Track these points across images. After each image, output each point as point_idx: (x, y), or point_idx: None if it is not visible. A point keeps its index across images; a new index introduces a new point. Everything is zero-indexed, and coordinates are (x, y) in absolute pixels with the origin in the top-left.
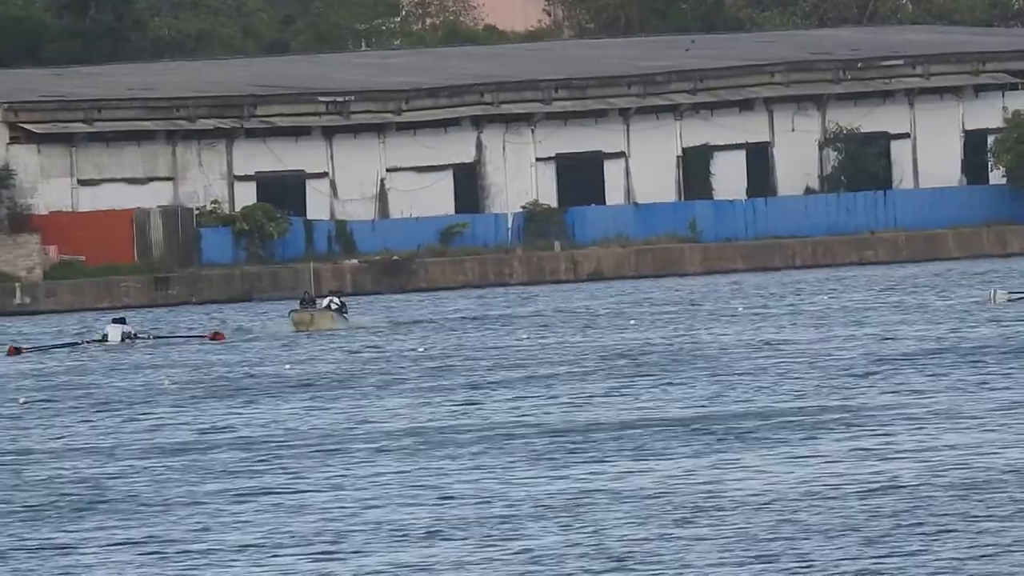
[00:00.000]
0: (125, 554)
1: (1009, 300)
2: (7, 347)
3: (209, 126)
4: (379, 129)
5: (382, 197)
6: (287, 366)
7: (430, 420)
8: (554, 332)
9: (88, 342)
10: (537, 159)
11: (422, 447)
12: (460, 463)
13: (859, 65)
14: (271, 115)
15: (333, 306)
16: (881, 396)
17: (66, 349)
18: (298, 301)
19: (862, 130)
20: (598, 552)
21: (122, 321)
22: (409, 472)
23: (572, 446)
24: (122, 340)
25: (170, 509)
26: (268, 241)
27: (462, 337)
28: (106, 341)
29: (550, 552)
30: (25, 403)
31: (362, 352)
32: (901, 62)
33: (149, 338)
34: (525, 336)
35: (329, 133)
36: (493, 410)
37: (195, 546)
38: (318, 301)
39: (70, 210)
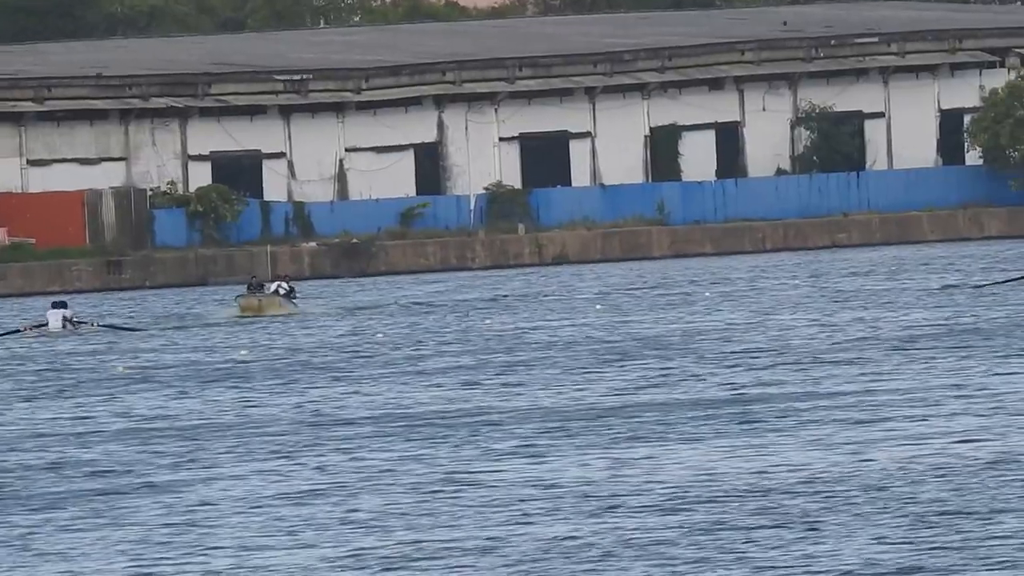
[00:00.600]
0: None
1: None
2: None
3: (163, 105)
4: (338, 108)
5: (341, 178)
6: (243, 352)
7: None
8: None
9: (28, 329)
10: (500, 139)
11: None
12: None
13: (832, 42)
14: (226, 93)
15: (282, 291)
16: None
17: (5, 337)
18: (247, 285)
19: (835, 109)
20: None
21: (63, 305)
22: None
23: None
24: (63, 326)
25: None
26: (223, 223)
27: (406, 323)
28: (46, 327)
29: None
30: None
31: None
32: (875, 39)
33: (93, 324)
34: (489, 321)
35: (286, 112)
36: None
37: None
38: (266, 286)
39: (19, 191)
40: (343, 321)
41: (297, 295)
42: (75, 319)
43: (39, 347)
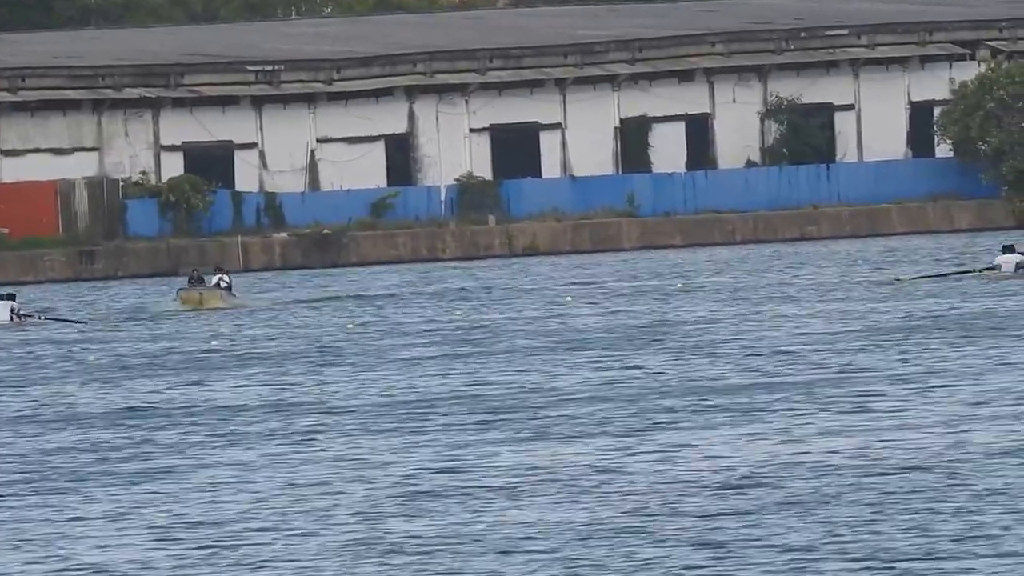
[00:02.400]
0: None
1: (914, 280)
2: None
3: (135, 95)
4: (309, 99)
5: (312, 168)
6: (213, 342)
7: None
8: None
9: None
10: (471, 130)
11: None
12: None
13: (802, 35)
14: (199, 84)
15: (223, 284)
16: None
17: None
18: (188, 278)
19: (804, 101)
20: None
21: (10, 297)
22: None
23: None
24: (10, 319)
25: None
26: (195, 213)
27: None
28: None
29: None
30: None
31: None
32: (845, 32)
33: (40, 317)
34: (459, 312)
35: (258, 103)
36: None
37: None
38: (207, 279)
39: None
40: (282, 313)
41: (233, 289)
42: (21, 312)
43: None
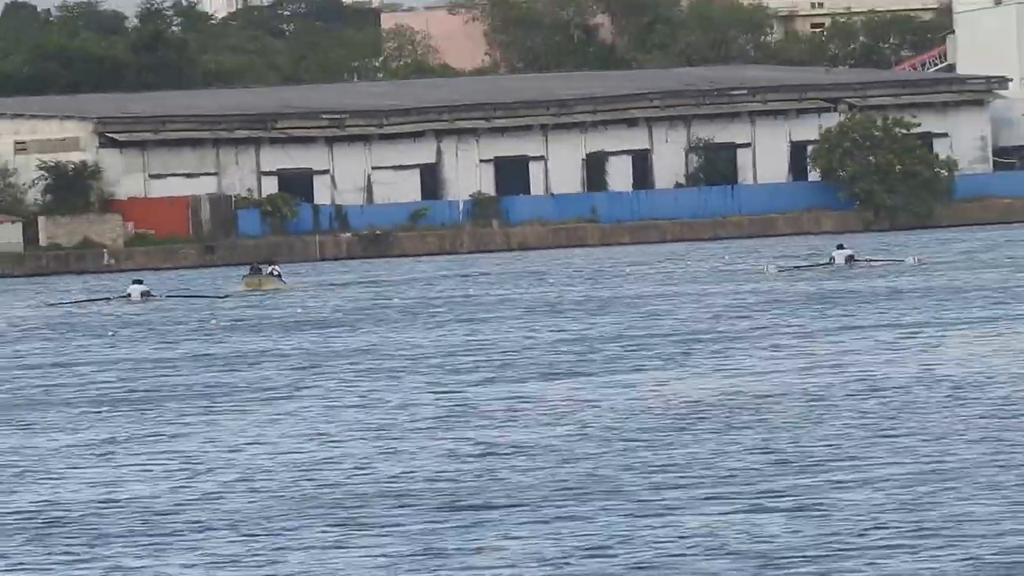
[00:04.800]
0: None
1: (779, 271)
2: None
3: (243, 135)
4: (366, 139)
5: (368, 188)
6: (212, 321)
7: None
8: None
9: (114, 298)
10: (480, 161)
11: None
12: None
13: (714, 94)
14: (287, 127)
15: (275, 273)
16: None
17: (99, 303)
18: (248, 268)
19: (716, 141)
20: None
21: (140, 282)
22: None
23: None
24: (141, 297)
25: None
26: (285, 220)
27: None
28: (129, 298)
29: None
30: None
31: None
32: (744, 92)
33: (161, 297)
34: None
35: (330, 141)
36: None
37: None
38: (263, 268)
39: (143, 196)
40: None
41: (283, 276)
42: (150, 292)
43: (137, 312)
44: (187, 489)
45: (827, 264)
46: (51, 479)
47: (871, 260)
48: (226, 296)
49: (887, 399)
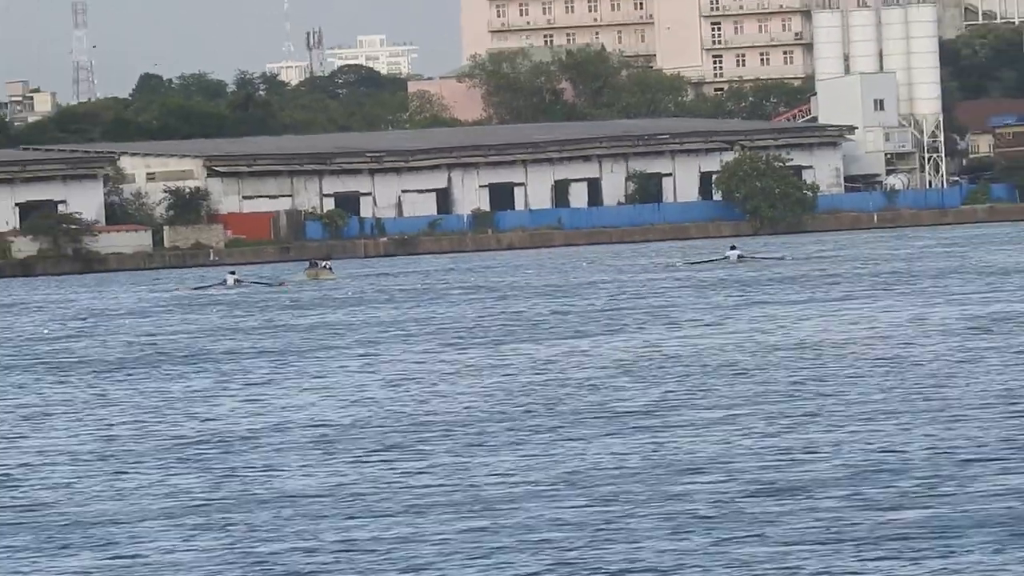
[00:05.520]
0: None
1: (740, 258)
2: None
3: (310, 168)
4: (397, 170)
5: (399, 205)
6: (348, 292)
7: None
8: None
9: (215, 285)
10: (480, 186)
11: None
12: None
13: (646, 137)
14: (342, 163)
15: (328, 266)
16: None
17: (210, 288)
18: (307, 263)
19: (647, 171)
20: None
21: (233, 272)
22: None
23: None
24: (234, 284)
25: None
26: (339, 228)
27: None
28: (225, 284)
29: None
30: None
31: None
32: (667, 136)
33: (247, 283)
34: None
35: (372, 172)
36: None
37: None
38: (319, 263)
39: (238, 212)
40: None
41: (333, 270)
42: (238, 279)
43: (223, 295)
44: (338, 410)
45: (722, 259)
46: (231, 406)
47: (754, 256)
48: (281, 283)
49: (755, 354)
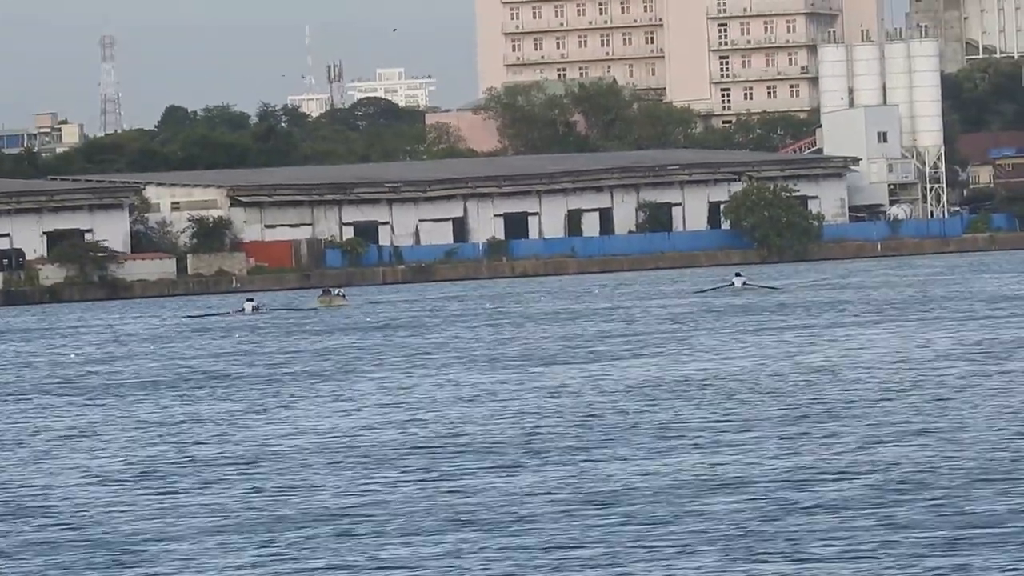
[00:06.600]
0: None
1: (745, 285)
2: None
3: (330, 198)
4: (415, 200)
5: (416, 234)
6: (367, 319)
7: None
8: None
9: (233, 312)
10: (494, 215)
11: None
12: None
13: (656, 169)
14: (361, 192)
15: (341, 294)
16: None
17: (224, 314)
18: (321, 290)
19: (657, 201)
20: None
21: (252, 300)
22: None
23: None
24: (252, 311)
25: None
26: (358, 256)
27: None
28: (243, 312)
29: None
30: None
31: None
32: (677, 167)
33: (266, 310)
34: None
35: (390, 202)
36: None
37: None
38: (332, 291)
39: (261, 240)
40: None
41: (346, 297)
42: (258, 307)
43: (246, 320)
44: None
45: (728, 286)
46: (270, 422)
47: (759, 285)
48: (298, 309)
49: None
